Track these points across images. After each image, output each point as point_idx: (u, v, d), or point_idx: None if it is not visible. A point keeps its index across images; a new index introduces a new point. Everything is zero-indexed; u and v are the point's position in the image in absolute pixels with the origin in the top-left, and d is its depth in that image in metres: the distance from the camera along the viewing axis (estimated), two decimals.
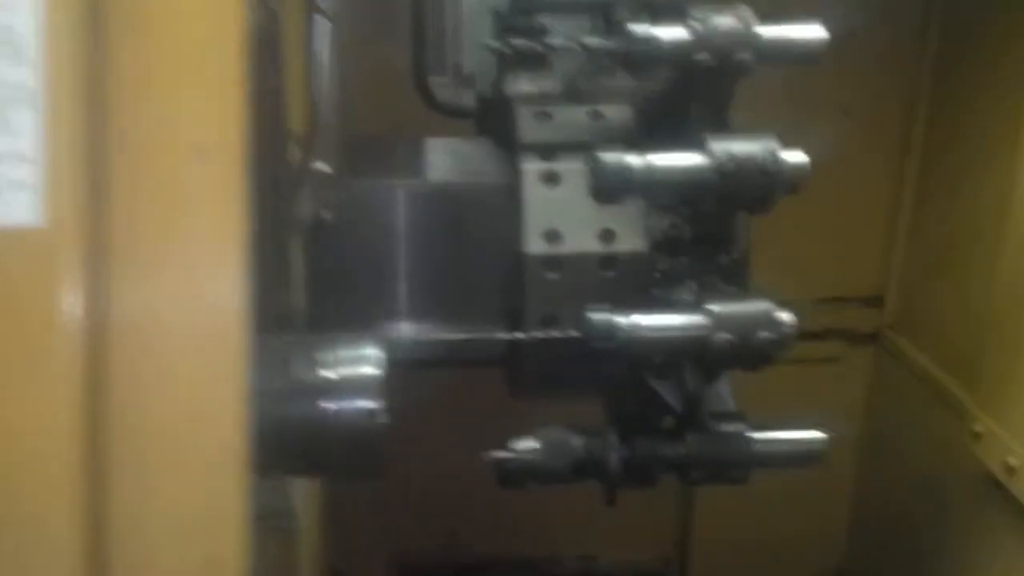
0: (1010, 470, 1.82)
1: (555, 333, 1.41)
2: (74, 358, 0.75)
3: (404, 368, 1.65)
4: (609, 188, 1.31)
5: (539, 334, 1.42)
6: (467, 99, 1.85)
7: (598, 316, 1.30)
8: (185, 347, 0.78)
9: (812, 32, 1.34)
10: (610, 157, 1.30)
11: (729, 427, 1.43)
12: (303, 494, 1.70)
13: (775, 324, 1.30)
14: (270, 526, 1.25)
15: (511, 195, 1.46)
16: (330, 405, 1.07)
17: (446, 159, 1.64)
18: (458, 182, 1.55)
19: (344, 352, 1.12)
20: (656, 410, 1.47)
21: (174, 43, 0.73)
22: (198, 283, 0.77)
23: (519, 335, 1.43)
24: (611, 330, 1.29)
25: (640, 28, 1.29)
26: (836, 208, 2.41)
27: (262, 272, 1.15)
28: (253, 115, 1.02)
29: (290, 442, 1.07)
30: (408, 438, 2.40)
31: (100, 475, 0.78)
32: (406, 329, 1.53)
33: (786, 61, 1.36)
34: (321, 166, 1.22)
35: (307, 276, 1.35)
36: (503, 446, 1.45)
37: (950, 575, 2.14)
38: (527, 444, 1.42)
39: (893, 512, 2.45)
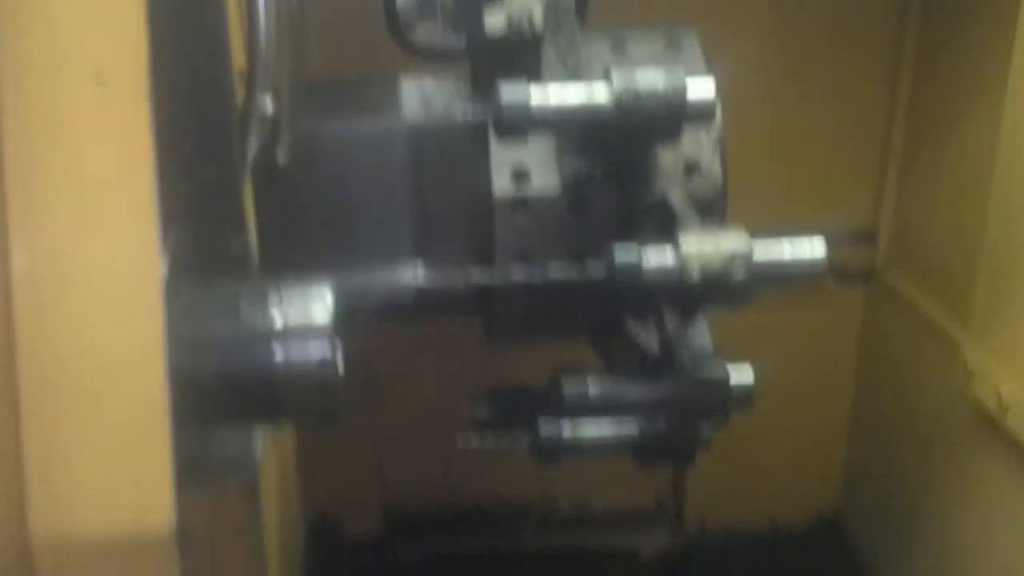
0: (1003, 404, 1.79)
1: (525, 274, 1.36)
2: None
3: (379, 319, 1.63)
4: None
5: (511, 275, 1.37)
6: (450, 39, 1.79)
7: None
8: (93, 292, 0.73)
9: None
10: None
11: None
12: (275, 443, 1.68)
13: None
14: (230, 477, 1.22)
15: (480, 135, 1.41)
16: (280, 352, 1.03)
17: (413, 99, 1.58)
18: (425, 122, 1.49)
19: (296, 298, 1.07)
20: (635, 353, 1.43)
21: None
22: (103, 221, 0.72)
23: (491, 277, 1.39)
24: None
25: None
26: (827, 145, 2.36)
27: (202, 213, 1.11)
28: (178, 45, 0.97)
29: (241, 390, 1.04)
30: (402, 378, 2.44)
31: (13, 434, 0.74)
32: (374, 276, 1.49)
33: None
34: (268, 104, 1.16)
35: (263, 220, 1.30)
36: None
37: (944, 509, 2.12)
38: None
39: (889, 450, 2.43)
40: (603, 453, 1.44)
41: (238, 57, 1.20)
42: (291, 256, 1.41)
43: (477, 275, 1.35)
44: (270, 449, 1.57)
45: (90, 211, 0.75)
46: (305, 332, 1.04)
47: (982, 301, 1.90)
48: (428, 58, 1.86)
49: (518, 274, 1.33)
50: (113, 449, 0.78)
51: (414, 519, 2.64)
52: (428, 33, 2.27)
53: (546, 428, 1.41)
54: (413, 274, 1.49)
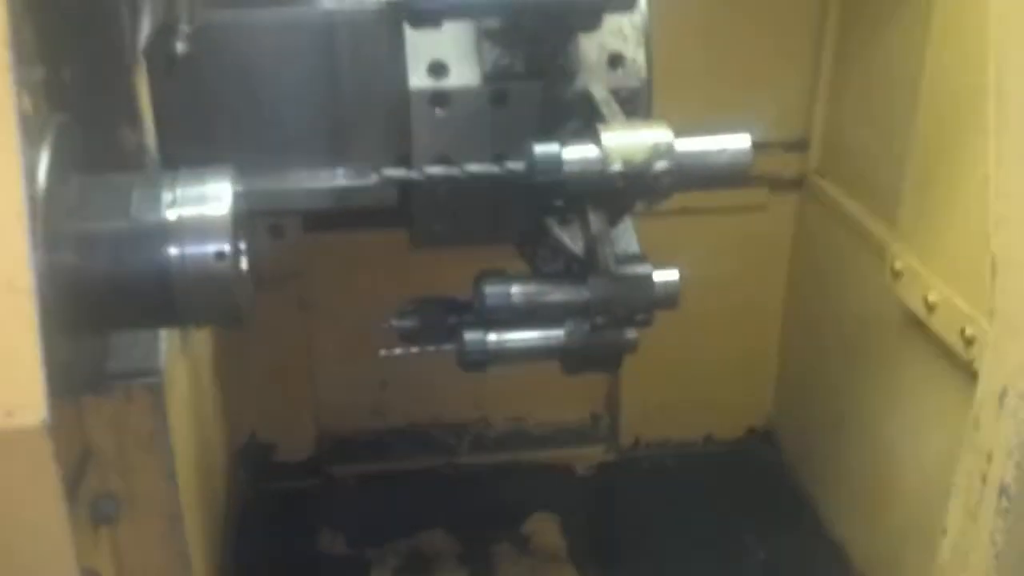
0: (930, 306, 1.79)
1: (444, 170, 1.30)
2: None
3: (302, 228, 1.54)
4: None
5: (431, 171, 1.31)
6: None
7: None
8: None
9: None
10: None
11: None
12: (187, 357, 1.62)
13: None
14: (132, 386, 1.16)
15: (395, 26, 1.33)
16: (174, 245, 0.97)
17: None
18: (337, 11, 1.41)
19: (192, 188, 1.01)
20: (560, 257, 1.39)
21: None
22: None
23: (409, 173, 1.32)
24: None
25: None
26: (759, 53, 2.32)
27: (90, 102, 1.03)
28: None
29: (133, 287, 0.97)
30: (336, 298, 2.38)
31: None
32: (288, 177, 1.42)
33: None
34: None
35: (164, 116, 1.22)
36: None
37: (872, 413, 2.15)
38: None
39: (819, 357, 2.44)
40: (529, 359, 1.41)
41: None
42: (197, 156, 1.33)
43: (395, 172, 1.29)
44: (180, 363, 1.51)
45: None
46: (201, 224, 0.97)
47: (908, 206, 1.90)
48: None
49: (437, 170, 1.27)
50: None
51: (349, 439, 2.60)
52: None
53: (471, 335, 1.38)
54: (330, 175, 1.43)
